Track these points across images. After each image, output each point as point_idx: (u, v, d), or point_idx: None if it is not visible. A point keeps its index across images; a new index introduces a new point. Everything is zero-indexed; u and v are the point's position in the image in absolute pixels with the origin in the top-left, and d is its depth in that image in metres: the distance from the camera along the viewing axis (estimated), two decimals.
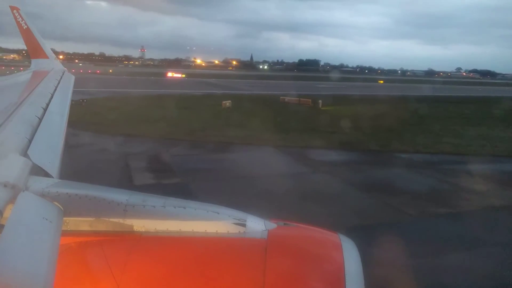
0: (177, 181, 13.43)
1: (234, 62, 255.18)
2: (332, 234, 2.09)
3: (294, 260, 1.87)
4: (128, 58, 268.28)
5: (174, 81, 77.59)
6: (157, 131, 21.57)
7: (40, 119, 3.52)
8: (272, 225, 2.06)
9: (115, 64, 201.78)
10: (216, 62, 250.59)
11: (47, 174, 2.29)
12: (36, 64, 11.36)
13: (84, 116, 23.88)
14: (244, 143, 19.68)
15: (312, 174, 15.33)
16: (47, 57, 11.82)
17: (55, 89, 6.16)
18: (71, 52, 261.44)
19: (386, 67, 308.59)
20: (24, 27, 11.42)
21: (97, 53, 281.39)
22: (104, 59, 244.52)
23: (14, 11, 11.38)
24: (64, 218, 1.88)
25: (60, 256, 1.55)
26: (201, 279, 1.81)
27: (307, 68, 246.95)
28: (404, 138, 22.36)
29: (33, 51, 11.67)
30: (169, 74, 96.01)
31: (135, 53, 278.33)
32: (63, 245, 1.76)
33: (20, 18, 11.37)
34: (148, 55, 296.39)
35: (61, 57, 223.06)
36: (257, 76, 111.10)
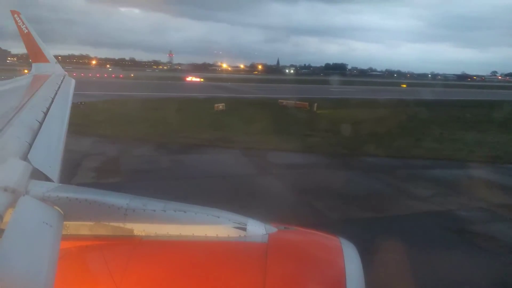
0: (114, 181, 13.78)
1: (260, 67, 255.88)
2: (333, 238, 2.09)
3: (295, 264, 1.86)
4: (157, 63, 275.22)
5: (189, 85, 78.91)
6: (132, 132, 22.14)
7: (41, 123, 3.55)
8: (272, 229, 2.06)
9: (143, 69, 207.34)
10: (242, 66, 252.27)
11: (47, 178, 2.33)
12: (37, 68, 11.38)
13: (72, 117, 24.78)
14: (211, 145, 19.88)
15: (258, 176, 15.31)
16: (48, 61, 11.84)
17: (56, 93, 6.22)
18: (103, 57, 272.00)
19: (417, 71, 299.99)
20: (25, 31, 11.44)
21: (127, 58, 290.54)
22: (134, 64, 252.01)
23: (15, 15, 11.42)
24: (64, 222, 1.89)
25: (60, 260, 1.56)
26: (201, 283, 1.82)
27: (333, 72, 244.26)
28: (381, 143, 21.79)
29: (34, 55, 11.66)
30: (188, 79, 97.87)
31: (164, 58, 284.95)
32: (63, 249, 1.76)
33: (21, 22, 11.39)
34: (178, 60, 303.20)
35: (93, 62, 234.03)
36: (276, 80, 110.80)
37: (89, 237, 1.98)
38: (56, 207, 1.88)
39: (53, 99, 5.42)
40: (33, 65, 11.64)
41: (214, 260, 1.90)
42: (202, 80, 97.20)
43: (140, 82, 79.19)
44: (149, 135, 21.76)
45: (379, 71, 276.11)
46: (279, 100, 40.90)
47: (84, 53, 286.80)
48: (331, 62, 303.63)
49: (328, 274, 1.87)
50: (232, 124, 26.01)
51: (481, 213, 12.00)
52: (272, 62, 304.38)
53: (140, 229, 1.97)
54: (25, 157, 2.35)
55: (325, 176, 15.61)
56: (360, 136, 23.50)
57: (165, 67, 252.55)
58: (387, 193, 13.72)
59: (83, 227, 1.98)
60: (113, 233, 1.97)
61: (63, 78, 9.61)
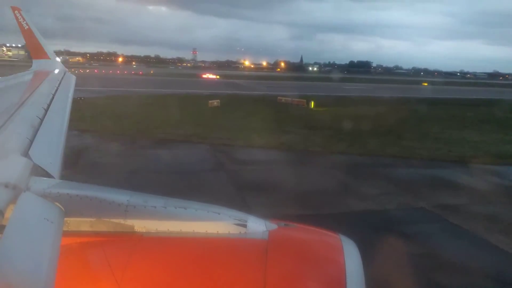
0: (64, 173, 14.14)
1: (282, 64, 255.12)
2: (333, 235, 2.11)
3: (295, 261, 1.88)
4: (181, 60, 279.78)
5: (202, 82, 79.62)
6: (112, 127, 22.69)
7: (41, 120, 3.60)
8: (273, 225, 2.08)
9: (166, 66, 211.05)
10: (264, 64, 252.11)
11: (48, 175, 2.35)
12: (38, 64, 11.24)
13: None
14: (183, 141, 20.05)
15: (208, 172, 15.36)
16: (49, 58, 11.71)
17: (56, 90, 6.26)
18: (130, 55, 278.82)
19: (446, 69, 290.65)
20: (26, 28, 11.30)
21: (153, 55, 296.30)
22: (158, 61, 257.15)
23: (16, 11, 11.30)
24: (65, 219, 1.91)
25: (61, 257, 1.58)
26: (202, 280, 1.83)
27: (357, 70, 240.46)
28: (360, 140, 21.37)
29: (35, 51, 11.54)
30: (204, 76, 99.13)
31: (189, 55, 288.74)
32: (64, 245, 1.79)
33: (21, 19, 11.27)
34: (203, 57, 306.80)
35: (120, 59, 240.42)
36: (291, 77, 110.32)
37: (90, 233, 1.98)
38: (57, 204, 1.88)
39: (53, 95, 5.45)
40: (34, 61, 11.58)
41: (215, 256, 1.91)
42: (217, 77, 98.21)
43: (155, 78, 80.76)
44: (127, 129, 22.17)
45: (404, 69, 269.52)
46: (278, 97, 40.76)
47: (112, 50, 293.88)
48: (356, 60, 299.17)
49: (328, 271, 1.88)
50: (217, 120, 26.20)
51: (417, 213, 11.64)
52: (296, 59, 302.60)
53: (141, 225, 1.98)
54: (26, 154, 2.36)
55: (279, 173, 15.46)
56: (341, 134, 23.18)
57: (188, 64, 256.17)
58: (334, 191, 13.49)
59: (84, 224, 1.97)
60: (114, 230, 1.98)
61: (64, 74, 9.63)
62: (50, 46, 12.12)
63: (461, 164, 17.59)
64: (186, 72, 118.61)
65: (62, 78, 8.46)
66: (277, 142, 20.04)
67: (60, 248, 1.60)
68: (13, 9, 11.38)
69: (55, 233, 1.64)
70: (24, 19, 11.28)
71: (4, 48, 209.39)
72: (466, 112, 37.43)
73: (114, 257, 1.90)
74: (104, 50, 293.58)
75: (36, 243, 1.51)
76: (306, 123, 26.35)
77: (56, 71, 10.07)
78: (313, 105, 36.07)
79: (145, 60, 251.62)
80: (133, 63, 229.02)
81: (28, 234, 1.53)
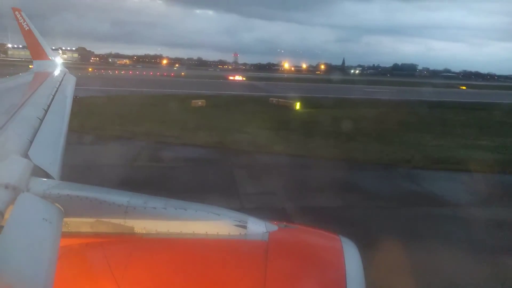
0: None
1: (322, 67, 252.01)
2: (333, 236, 2.12)
3: (295, 262, 1.89)
4: (222, 63, 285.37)
5: (223, 83, 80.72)
6: (73, 123, 23.95)
7: (41, 120, 3.63)
8: (273, 227, 2.09)
9: (206, 68, 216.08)
10: (304, 66, 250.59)
11: (48, 175, 2.38)
12: (38, 65, 11.39)
13: None
14: (129, 138, 20.64)
15: (122, 167, 15.87)
16: (49, 59, 11.86)
17: (56, 90, 6.34)
18: (173, 57, 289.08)
19: (503, 72, 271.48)
20: (26, 29, 11.42)
21: (195, 58, 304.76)
22: (200, 64, 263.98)
23: (16, 12, 11.47)
24: (65, 220, 1.92)
25: (61, 258, 1.59)
26: (202, 281, 1.84)
27: (401, 73, 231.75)
28: (306, 141, 21.02)
29: (35, 52, 11.65)
30: (231, 78, 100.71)
31: (232, 57, 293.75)
32: (64, 246, 1.81)
33: (22, 20, 11.39)
34: (246, 59, 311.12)
35: (164, 61, 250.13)
36: (322, 79, 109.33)
37: (90, 234, 1.99)
38: (57, 204, 1.89)
39: (54, 96, 5.51)
40: (34, 62, 11.74)
41: (215, 258, 1.92)
42: (244, 79, 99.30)
43: (179, 80, 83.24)
44: (86, 125, 22.93)
45: (453, 72, 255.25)
46: (270, 98, 40.72)
47: (159, 53, 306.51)
48: (400, 62, 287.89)
49: (328, 272, 1.89)
50: (184, 119, 26.59)
51: (263, 214, 11.46)
52: (339, 62, 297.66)
53: (141, 226, 1.99)
54: (25, 154, 2.39)
55: (185, 170, 15.74)
56: (295, 134, 22.94)
57: (229, 67, 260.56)
58: (213, 187, 13.43)
59: (84, 225, 1.99)
60: (114, 231, 1.99)
61: (64, 75, 9.74)
62: (49, 47, 12.22)
63: (388, 168, 16.87)
64: (217, 74, 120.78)
65: (63, 79, 8.61)
66: (215, 141, 20.12)
67: (60, 249, 1.62)
68: (14, 10, 11.60)
69: (54, 234, 1.64)
70: (24, 20, 11.44)
71: (60, 52, 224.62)
72: (457, 116, 35.43)
73: (114, 258, 1.91)
74: (152, 53, 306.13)
75: (34, 244, 1.51)
76: (271, 123, 26.18)
77: (57, 72, 10.20)
78: (299, 106, 35.69)
79: (188, 62, 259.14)
80: (176, 65, 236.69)
81: (26, 234, 1.52)
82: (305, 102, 38.79)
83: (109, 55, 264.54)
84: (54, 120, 4.09)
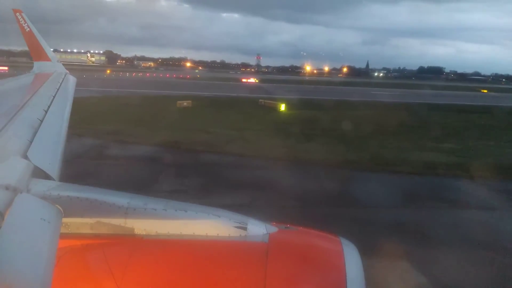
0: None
1: (345, 69, 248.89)
2: (334, 238, 2.13)
3: (295, 264, 1.89)
4: (245, 66, 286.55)
5: (230, 85, 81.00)
6: None
7: (41, 121, 3.65)
8: (273, 228, 2.09)
9: (227, 71, 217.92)
10: (326, 69, 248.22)
11: (47, 176, 2.37)
12: (39, 66, 11.46)
13: None
14: (93, 136, 21.22)
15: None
16: (50, 60, 11.89)
17: (57, 91, 6.36)
18: (197, 60, 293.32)
19: None
20: (27, 30, 11.44)
21: (218, 61, 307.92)
22: (222, 66, 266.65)
23: (17, 13, 11.45)
24: (66, 221, 1.91)
25: (61, 259, 1.65)
26: (202, 283, 1.85)
27: (426, 76, 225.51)
28: (260, 141, 21.06)
29: (36, 53, 11.70)
30: (244, 80, 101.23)
31: (255, 60, 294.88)
32: (65, 247, 1.82)
33: (22, 21, 11.36)
34: (270, 62, 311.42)
35: (188, 64, 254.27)
36: (334, 82, 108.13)
37: (90, 235, 1.99)
38: (57, 206, 1.89)
39: (54, 97, 5.57)
40: (35, 63, 11.79)
41: (215, 259, 1.93)
42: (256, 81, 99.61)
43: (188, 82, 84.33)
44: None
45: (483, 76, 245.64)
46: (259, 100, 40.76)
47: (183, 56, 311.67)
48: (426, 66, 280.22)
49: (329, 274, 1.90)
50: (158, 120, 26.98)
51: None
52: (364, 65, 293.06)
53: (141, 228, 2.00)
54: (25, 155, 2.39)
55: (116, 167, 16.05)
56: (259, 134, 23.04)
57: (252, 70, 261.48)
58: (135, 184, 13.73)
59: (84, 226, 1.99)
60: (114, 232, 2.00)
61: (64, 76, 9.81)
62: (50, 48, 12.29)
63: (323, 168, 16.66)
64: (232, 77, 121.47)
65: (63, 80, 8.67)
66: (171, 141, 20.30)
67: (61, 250, 1.64)
68: (15, 11, 11.56)
69: (52, 233, 1.64)
70: (25, 21, 11.41)
71: (88, 55, 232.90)
72: (439, 119, 34.36)
73: (114, 260, 1.92)
74: (177, 56, 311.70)
75: (32, 243, 1.51)
76: (242, 124, 26.35)
77: (57, 73, 10.25)
78: (284, 108, 35.54)
79: (211, 65, 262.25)
80: (199, 67, 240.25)
81: (24, 234, 1.52)
82: (295, 103, 38.68)
83: (135, 57, 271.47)
84: (54, 121, 4.09)
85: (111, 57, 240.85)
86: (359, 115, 33.85)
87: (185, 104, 35.25)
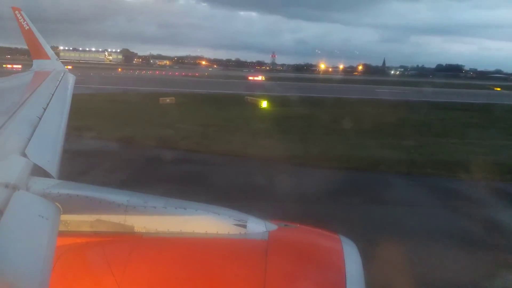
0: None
1: (360, 67, 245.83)
2: (333, 236, 2.14)
3: (295, 261, 1.90)
4: (260, 64, 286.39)
5: (234, 83, 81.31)
6: None
7: (40, 119, 3.65)
8: (272, 226, 2.10)
9: (241, 69, 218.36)
10: (341, 67, 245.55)
11: (46, 174, 2.38)
12: (38, 64, 11.47)
13: None
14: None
15: None
16: (49, 58, 11.87)
17: (56, 89, 6.37)
18: (213, 58, 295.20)
19: None
20: (26, 28, 11.40)
21: (233, 59, 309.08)
22: (237, 65, 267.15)
23: (16, 12, 11.43)
24: (66, 219, 1.93)
25: (61, 257, 1.67)
26: (201, 280, 1.86)
27: (445, 74, 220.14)
28: (223, 138, 21.20)
29: (35, 51, 11.71)
30: (250, 78, 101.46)
31: (270, 59, 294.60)
32: (64, 245, 1.85)
33: (22, 19, 11.34)
34: (286, 60, 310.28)
35: (203, 62, 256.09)
36: (342, 80, 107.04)
37: (90, 233, 2.00)
38: (56, 203, 1.89)
39: (53, 95, 5.59)
40: (34, 61, 11.80)
41: (214, 257, 1.94)
42: (263, 79, 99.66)
43: (191, 79, 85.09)
44: None
45: (504, 74, 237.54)
46: (245, 97, 40.87)
47: (200, 54, 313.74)
48: (444, 63, 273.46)
49: (328, 272, 1.91)
50: (131, 116, 27.25)
51: None
52: (388, 63, 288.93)
53: (141, 225, 2.01)
54: (25, 153, 2.40)
55: (81, 162, 16.42)
56: (222, 131, 23.19)
57: (267, 68, 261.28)
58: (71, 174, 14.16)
59: (84, 224, 2.00)
60: (114, 230, 2.00)
61: (63, 74, 9.82)
62: (49, 46, 12.34)
63: (265, 163, 16.72)
64: (240, 75, 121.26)
65: (62, 78, 8.68)
66: (129, 136, 20.63)
67: (61, 248, 1.65)
68: (14, 9, 11.57)
69: (50, 230, 1.64)
70: (24, 20, 11.40)
71: (106, 53, 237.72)
72: (426, 116, 34.00)
73: (114, 257, 1.93)
74: (193, 54, 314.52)
75: (30, 240, 1.51)
76: (213, 120, 26.51)
77: (56, 71, 10.25)
78: (266, 104, 35.59)
79: (226, 63, 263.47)
80: (214, 66, 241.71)
81: (22, 231, 1.52)
82: (281, 101, 38.64)
83: (152, 56, 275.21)
84: (53, 119, 4.15)
85: (128, 56, 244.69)
86: (339, 113, 33.40)
87: (168, 100, 35.62)
